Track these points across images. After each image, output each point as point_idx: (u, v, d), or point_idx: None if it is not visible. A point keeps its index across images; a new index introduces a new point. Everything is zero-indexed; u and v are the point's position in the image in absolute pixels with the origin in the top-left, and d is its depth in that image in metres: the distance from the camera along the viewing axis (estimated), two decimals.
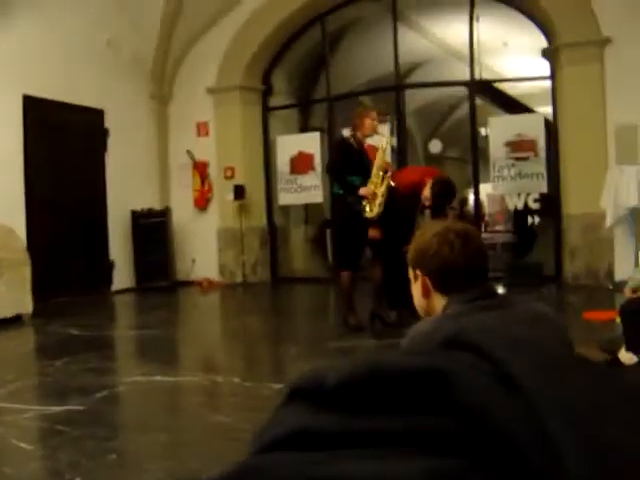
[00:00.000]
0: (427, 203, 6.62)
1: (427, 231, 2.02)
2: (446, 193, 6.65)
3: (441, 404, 0.81)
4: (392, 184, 6.61)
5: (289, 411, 0.91)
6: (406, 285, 2.32)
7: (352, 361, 0.92)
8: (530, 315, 1.65)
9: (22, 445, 3.38)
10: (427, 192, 6.56)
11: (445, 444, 0.78)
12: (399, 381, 0.85)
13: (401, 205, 6.63)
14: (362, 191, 6.36)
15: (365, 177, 6.45)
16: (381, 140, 6.81)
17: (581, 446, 0.74)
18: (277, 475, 0.82)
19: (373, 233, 6.45)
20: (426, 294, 1.99)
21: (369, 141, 6.98)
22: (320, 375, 0.91)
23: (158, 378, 4.76)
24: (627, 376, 0.91)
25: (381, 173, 6.51)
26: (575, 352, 1.01)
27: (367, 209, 6.35)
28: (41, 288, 8.29)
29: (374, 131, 6.71)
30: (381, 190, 6.43)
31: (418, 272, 2.01)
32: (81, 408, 3.96)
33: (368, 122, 6.61)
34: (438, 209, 6.61)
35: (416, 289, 2.03)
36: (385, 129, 10.25)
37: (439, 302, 1.94)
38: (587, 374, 0.91)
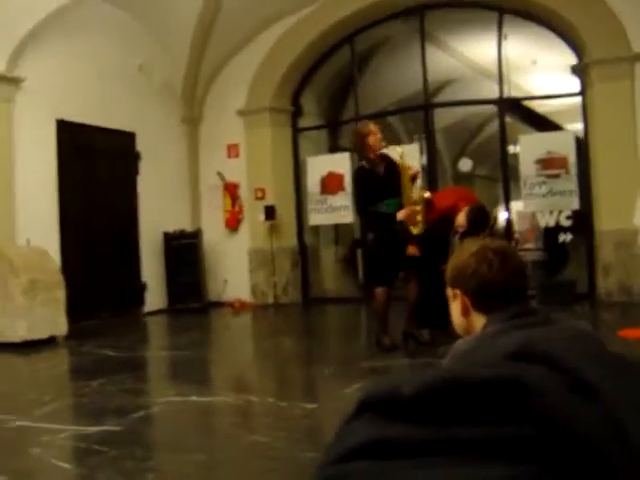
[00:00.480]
0: (461, 230, 6.49)
1: (465, 250, 2.02)
2: (482, 220, 6.50)
3: (520, 413, 0.82)
4: (427, 195, 6.56)
5: (362, 422, 0.91)
6: (441, 304, 2.31)
7: (426, 373, 0.93)
8: (575, 332, 1.64)
9: (61, 464, 3.41)
10: (462, 219, 6.42)
11: (525, 452, 0.79)
12: (476, 391, 0.86)
13: (434, 229, 6.55)
14: (400, 216, 6.28)
15: (399, 194, 6.39)
16: (395, 151, 6.57)
17: None
18: None
19: (413, 250, 6.38)
20: (465, 313, 1.99)
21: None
22: (392, 387, 0.91)
23: (193, 398, 4.78)
24: None
25: (412, 184, 6.45)
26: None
27: (412, 229, 6.32)
28: (74, 309, 8.36)
29: (381, 145, 6.46)
30: (419, 207, 6.38)
31: (457, 291, 2.01)
32: (118, 428, 3.99)
33: (372, 139, 6.37)
34: (471, 236, 6.48)
35: (455, 308, 2.03)
36: (414, 148, 10.32)
37: (479, 321, 1.93)
38: None
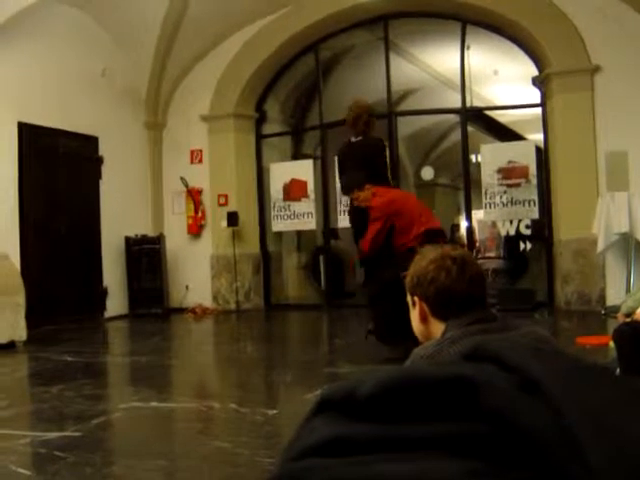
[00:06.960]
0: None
1: (424, 257, 2.05)
2: None
3: (470, 410, 0.85)
4: None
5: (320, 421, 0.93)
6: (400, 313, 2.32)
7: (382, 372, 0.95)
8: (532, 337, 1.68)
9: (21, 471, 3.38)
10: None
11: (477, 448, 0.81)
12: (430, 389, 0.88)
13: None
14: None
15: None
16: None
17: (602, 443, 0.77)
18: None
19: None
20: (424, 319, 2.02)
21: None
22: (350, 386, 0.93)
23: (154, 404, 4.76)
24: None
25: None
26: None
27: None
28: (35, 314, 8.28)
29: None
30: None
31: (416, 298, 2.04)
32: (78, 434, 3.96)
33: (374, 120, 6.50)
34: None
35: (414, 315, 2.06)
36: None
37: (438, 327, 1.97)
38: (604, 376, 0.94)
